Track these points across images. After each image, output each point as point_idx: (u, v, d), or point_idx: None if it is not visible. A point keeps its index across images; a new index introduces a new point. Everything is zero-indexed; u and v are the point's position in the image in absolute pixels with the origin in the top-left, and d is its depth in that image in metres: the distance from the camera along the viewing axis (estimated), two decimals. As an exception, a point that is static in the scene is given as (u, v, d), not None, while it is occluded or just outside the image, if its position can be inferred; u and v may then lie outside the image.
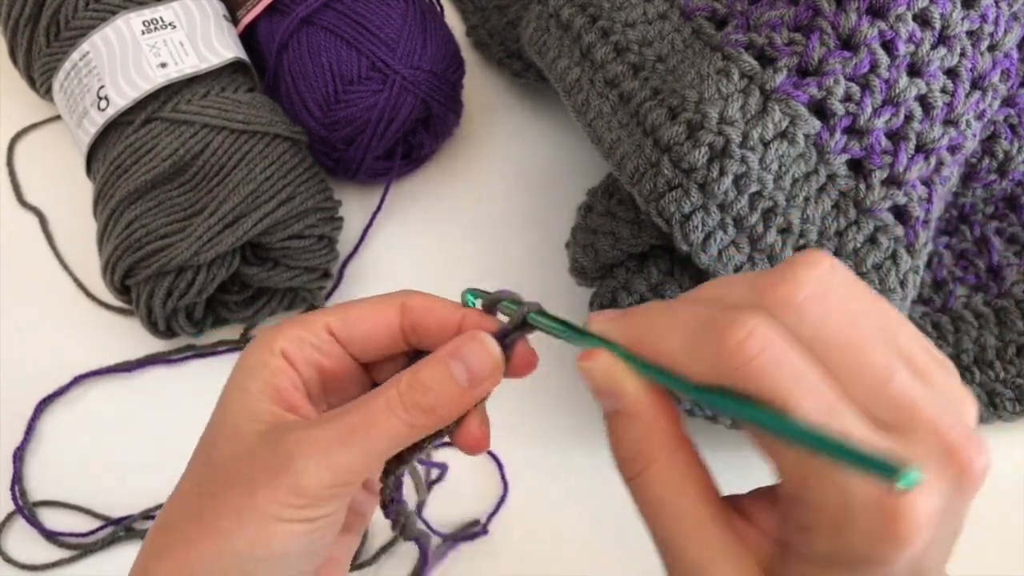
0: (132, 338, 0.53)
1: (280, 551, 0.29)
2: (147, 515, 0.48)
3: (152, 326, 0.51)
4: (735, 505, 0.28)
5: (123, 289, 0.50)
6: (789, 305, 0.25)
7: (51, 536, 0.47)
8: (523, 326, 0.31)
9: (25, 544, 0.48)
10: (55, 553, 0.47)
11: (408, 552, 0.48)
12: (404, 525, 0.35)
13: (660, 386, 0.27)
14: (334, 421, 0.30)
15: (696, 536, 0.26)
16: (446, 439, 0.32)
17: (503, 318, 0.32)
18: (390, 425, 0.30)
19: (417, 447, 0.32)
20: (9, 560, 0.47)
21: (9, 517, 0.48)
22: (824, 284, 0.25)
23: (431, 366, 0.30)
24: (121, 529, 0.47)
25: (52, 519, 0.48)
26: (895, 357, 0.25)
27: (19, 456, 0.49)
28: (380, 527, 0.48)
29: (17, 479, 0.49)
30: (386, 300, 0.33)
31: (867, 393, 0.24)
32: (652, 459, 0.27)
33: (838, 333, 0.24)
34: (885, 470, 0.21)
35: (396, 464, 0.33)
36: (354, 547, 0.37)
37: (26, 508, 0.48)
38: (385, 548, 0.48)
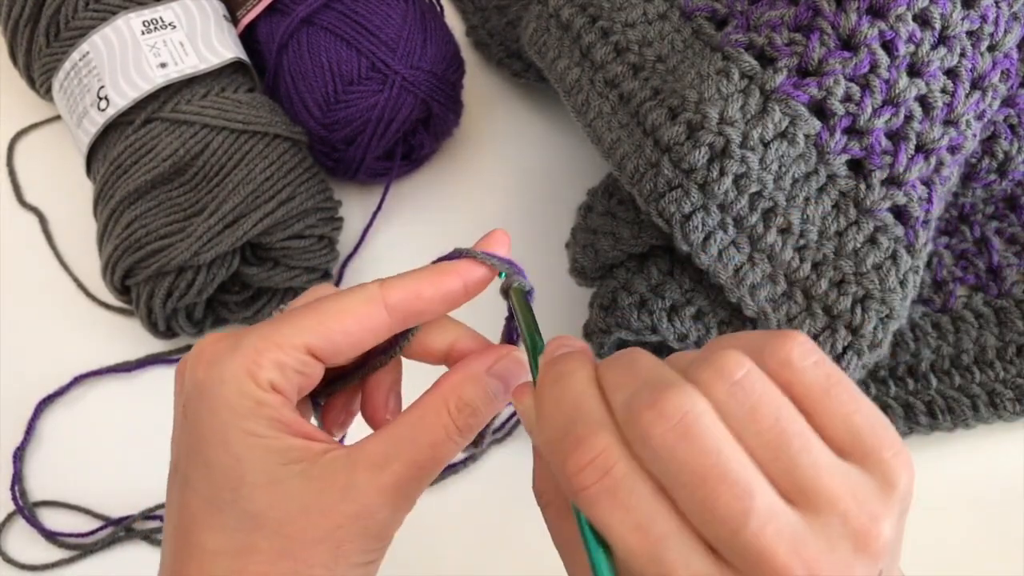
0: (132, 338, 0.53)
1: None
2: (147, 515, 0.48)
3: (152, 326, 0.51)
4: None
5: (123, 289, 0.50)
6: (645, 438, 0.23)
7: (51, 536, 0.47)
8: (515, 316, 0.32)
9: (25, 544, 0.48)
10: (55, 553, 0.47)
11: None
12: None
13: None
14: (400, 460, 0.29)
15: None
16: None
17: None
18: (451, 453, 0.30)
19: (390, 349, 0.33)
20: (9, 560, 0.47)
21: (9, 517, 0.48)
22: (701, 413, 0.23)
23: (472, 386, 0.31)
24: (121, 529, 0.47)
25: (52, 519, 0.48)
26: (762, 493, 0.23)
27: (19, 456, 0.49)
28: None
29: (17, 479, 0.49)
30: (366, 304, 0.30)
31: (715, 535, 0.23)
32: (552, 500, 0.28)
33: (693, 472, 0.23)
34: None
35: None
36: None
37: (26, 508, 0.48)
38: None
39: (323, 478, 0.28)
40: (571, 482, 0.24)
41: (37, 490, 0.49)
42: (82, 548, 0.47)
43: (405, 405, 0.32)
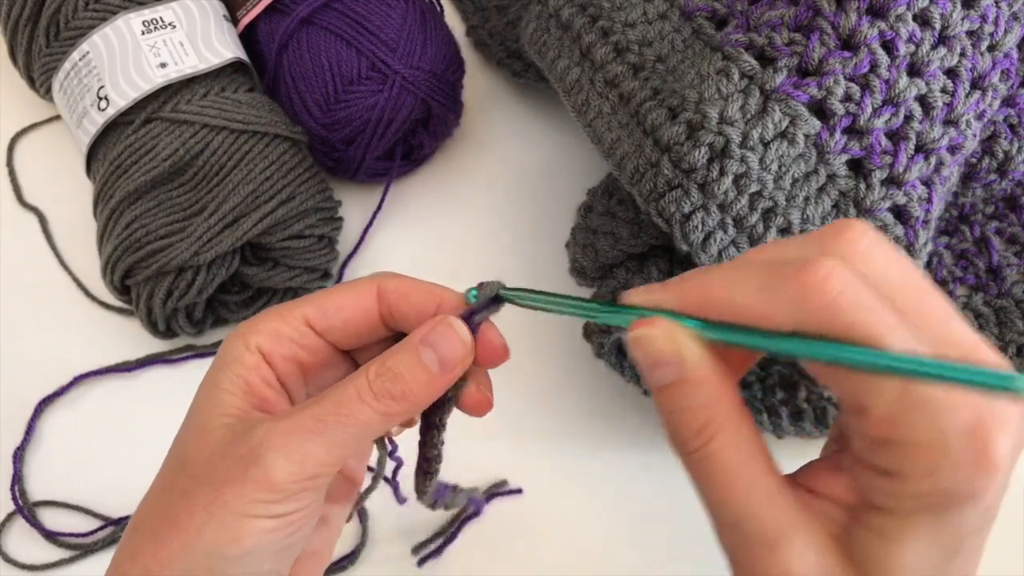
0: (132, 338, 0.53)
1: (251, 548, 0.28)
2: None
3: (152, 326, 0.51)
4: (793, 480, 0.27)
5: (123, 289, 0.51)
6: (855, 251, 0.25)
7: (51, 536, 0.47)
8: (493, 303, 0.31)
9: (25, 544, 0.48)
10: (55, 553, 0.47)
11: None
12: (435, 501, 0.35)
13: (719, 352, 0.26)
14: (302, 412, 0.29)
15: (769, 507, 0.25)
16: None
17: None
18: (361, 413, 0.29)
19: (440, 410, 0.32)
20: (9, 560, 0.47)
21: (9, 517, 0.48)
22: (874, 238, 0.26)
23: (400, 353, 0.30)
24: (120, 529, 0.47)
25: (52, 519, 0.48)
26: (947, 302, 0.25)
27: (19, 456, 0.49)
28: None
29: (17, 479, 0.49)
30: (363, 286, 0.32)
31: (933, 334, 0.24)
32: (720, 427, 0.26)
33: (901, 276, 0.25)
34: (1001, 382, 0.21)
35: (427, 433, 0.33)
36: (334, 539, 0.36)
37: (26, 508, 0.48)
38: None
39: (237, 437, 0.29)
40: (816, 297, 0.24)
41: (37, 490, 0.49)
42: (82, 548, 0.47)
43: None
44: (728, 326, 0.26)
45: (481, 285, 0.32)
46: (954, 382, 0.22)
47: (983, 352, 0.25)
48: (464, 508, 0.47)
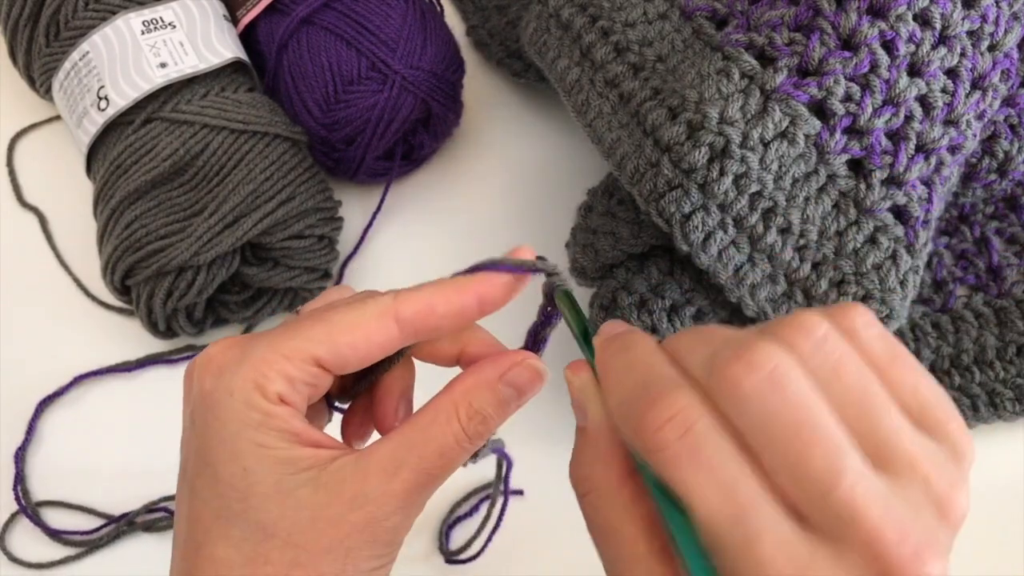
0: (132, 338, 0.53)
1: None
2: (150, 508, 0.48)
3: (152, 326, 0.51)
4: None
5: (123, 289, 0.50)
6: (736, 389, 0.23)
7: (55, 535, 0.47)
8: (550, 317, 0.32)
9: (28, 543, 0.48)
10: (59, 552, 0.47)
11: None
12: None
13: None
14: (408, 468, 0.29)
15: (634, 567, 0.25)
16: None
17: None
18: (460, 459, 0.30)
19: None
20: (14, 559, 0.47)
21: (13, 517, 0.48)
22: (791, 367, 0.23)
23: (483, 393, 0.30)
24: (124, 524, 0.47)
25: (54, 519, 0.48)
26: (852, 455, 0.22)
27: (20, 456, 0.49)
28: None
29: (20, 479, 0.49)
30: (377, 318, 0.30)
31: (804, 495, 0.22)
32: (598, 485, 0.26)
33: (785, 427, 0.22)
34: None
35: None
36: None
37: (29, 508, 0.48)
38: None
39: (331, 486, 0.28)
40: (648, 442, 0.23)
41: (38, 490, 0.49)
42: (87, 544, 0.47)
43: (416, 407, 0.32)
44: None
45: (551, 278, 0.31)
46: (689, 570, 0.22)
47: (854, 525, 0.22)
48: (499, 467, 0.46)
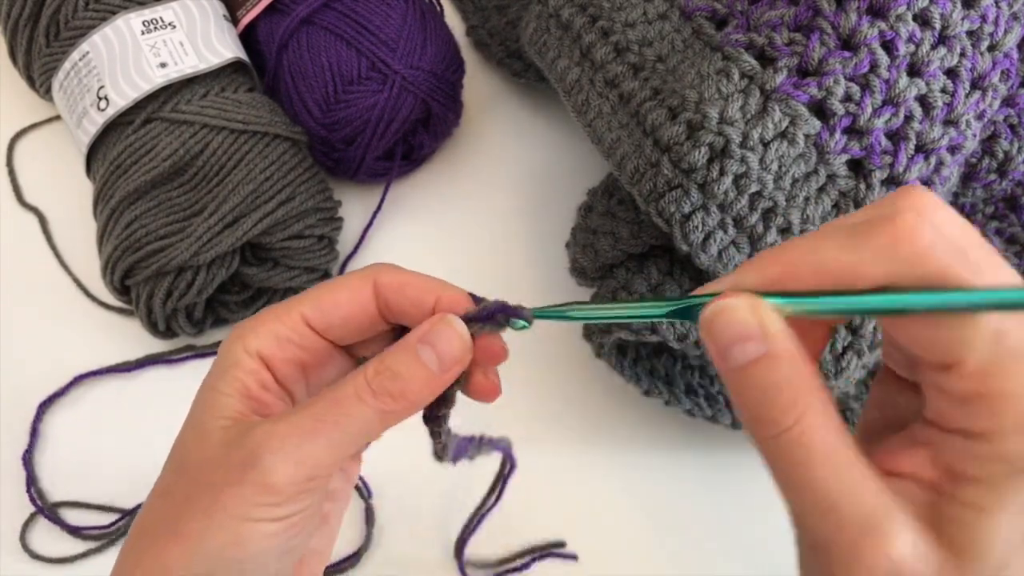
0: (132, 338, 0.53)
1: (253, 552, 0.28)
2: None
3: (152, 326, 0.51)
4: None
5: (123, 289, 0.50)
6: (931, 207, 0.24)
7: (75, 531, 0.48)
8: (493, 316, 0.31)
9: (48, 542, 0.48)
10: (77, 547, 0.48)
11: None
12: (470, 449, 0.35)
13: (797, 330, 0.25)
14: (301, 413, 0.29)
15: (866, 489, 0.24)
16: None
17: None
18: (360, 413, 0.29)
19: (445, 399, 0.32)
20: (37, 556, 0.47)
21: (31, 518, 0.48)
22: (938, 200, 0.25)
23: (399, 351, 0.30)
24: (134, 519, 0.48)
25: (67, 517, 0.48)
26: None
27: (28, 459, 0.49)
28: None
29: (32, 481, 0.49)
30: (358, 280, 0.32)
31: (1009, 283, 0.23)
32: (810, 406, 0.24)
33: (970, 234, 0.24)
34: None
35: (433, 423, 0.33)
36: (334, 536, 0.36)
37: (46, 508, 0.48)
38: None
39: (233, 440, 0.29)
40: (908, 244, 0.23)
41: (46, 490, 0.49)
42: (106, 537, 0.48)
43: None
44: (815, 294, 0.25)
45: (501, 307, 0.31)
46: None
47: None
48: (502, 467, 0.46)
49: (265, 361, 0.31)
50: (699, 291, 0.27)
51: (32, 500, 0.48)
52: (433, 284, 0.32)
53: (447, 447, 0.34)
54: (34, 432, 0.50)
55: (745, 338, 0.25)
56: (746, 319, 0.25)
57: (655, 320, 0.28)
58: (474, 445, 0.36)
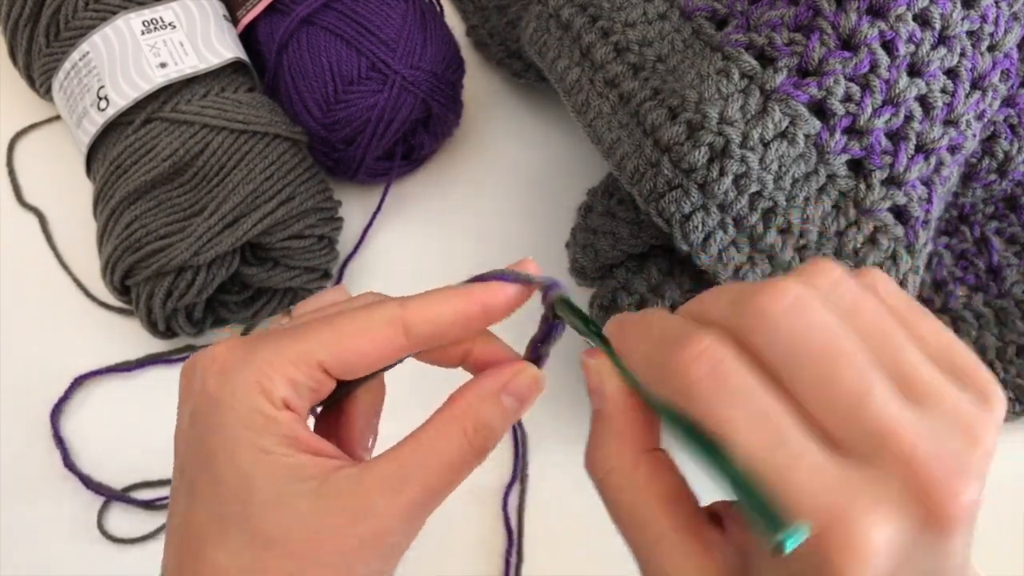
0: (132, 338, 0.53)
1: None
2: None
3: (152, 326, 0.51)
4: (713, 512, 0.27)
5: (123, 289, 0.50)
6: (763, 317, 0.23)
7: (148, 505, 0.48)
8: (552, 329, 0.31)
9: (121, 524, 0.49)
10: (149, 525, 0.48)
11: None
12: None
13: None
14: (412, 483, 0.28)
15: (658, 546, 0.25)
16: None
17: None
18: (465, 474, 0.30)
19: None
20: (113, 539, 0.48)
21: (106, 503, 0.49)
22: (812, 297, 0.23)
23: (488, 406, 0.30)
24: None
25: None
26: (879, 376, 0.22)
27: (71, 464, 0.49)
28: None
29: (88, 480, 0.49)
30: (384, 327, 0.29)
31: (835, 417, 0.22)
32: (615, 464, 0.27)
33: (812, 349, 0.23)
34: (772, 522, 0.21)
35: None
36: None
37: (115, 493, 0.48)
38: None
39: (334, 497, 0.28)
40: (678, 381, 0.23)
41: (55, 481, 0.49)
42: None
43: (420, 411, 0.31)
44: (633, 378, 0.27)
45: (548, 290, 0.31)
46: (744, 505, 0.22)
47: (887, 442, 0.22)
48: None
49: (291, 409, 0.29)
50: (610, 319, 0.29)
51: (100, 491, 0.49)
52: (467, 299, 0.31)
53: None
54: (59, 439, 0.50)
55: (592, 391, 0.28)
56: (592, 378, 0.28)
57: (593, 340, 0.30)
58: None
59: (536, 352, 0.32)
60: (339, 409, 0.33)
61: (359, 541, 0.28)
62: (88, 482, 0.49)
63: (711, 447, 0.23)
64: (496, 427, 0.30)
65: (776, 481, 0.22)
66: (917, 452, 0.22)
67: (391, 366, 0.32)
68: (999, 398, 0.24)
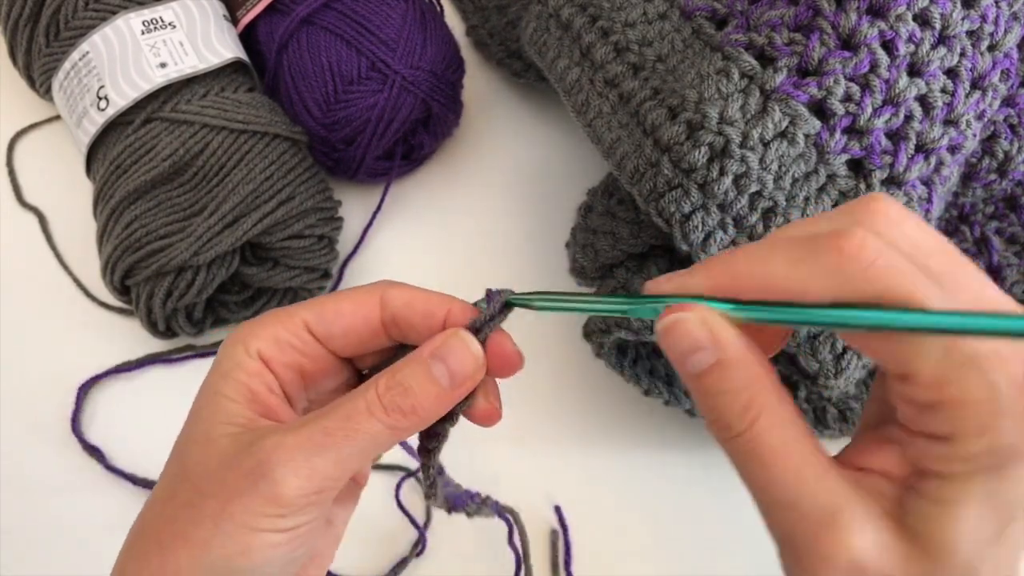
0: (132, 338, 0.53)
1: (260, 561, 0.28)
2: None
3: (152, 326, 0.51)
4: (839, 460, 0.27)
5: (123, 289, 0.50)
6: (887, 218, 0.25)
7: None
8: (501, 312, 0.31)
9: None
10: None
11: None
12: (447, 501, 0.35)
13: (751, 334, 0.26)
14: (311, 425, 0.29)
15: (822, 484, 0.25)
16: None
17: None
18: (370, 428, 0.29)
19: (447, 418, 0.31)
20: None
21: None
22: (902, 208, 0.25)
23: (411, 366, 0.30)
24: None
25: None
26: (977, 269, 0.25)
27: (111, 467, 0.49)
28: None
29: (135, 478, 0.49)
30: (365, 293, 0.31)
31: (969, 295, 0.24)
32: (763, 407, 0.25)
33: (932, 243, 0.25)
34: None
35: (430, 440, 0.32)
36: (339, 538, 0.36)
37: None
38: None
39: (244, 440, 0.29)
40: (853, 264, 0.24)
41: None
42: None
43: None
44: (763, 304, 0.25)
45: (489, 293, 0.31)
46: (1000, 334, 0.22)
47: (1020, 309, 0.24)
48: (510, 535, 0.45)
49: (267, 363, 0.31)
50: (650, 287, 0.28)
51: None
52: (443, 300, 0.31)
53: (436, 486, 0.34)
54: (91, 448, 0.50)
55: (697, 349, 0.26)
56: (696, 331, 0.26)
57: (615, 315, 0.29)
58: (476, 502, 0.36)
59: (480, 332, 0.31)
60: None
61: (242, 474, 0.28)
62: (135, 480, 0.49)
63: (920, 314, 0.23)
64: (412, 387, 0.29)
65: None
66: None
67: (389, 361, 0.32)
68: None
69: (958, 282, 0.24)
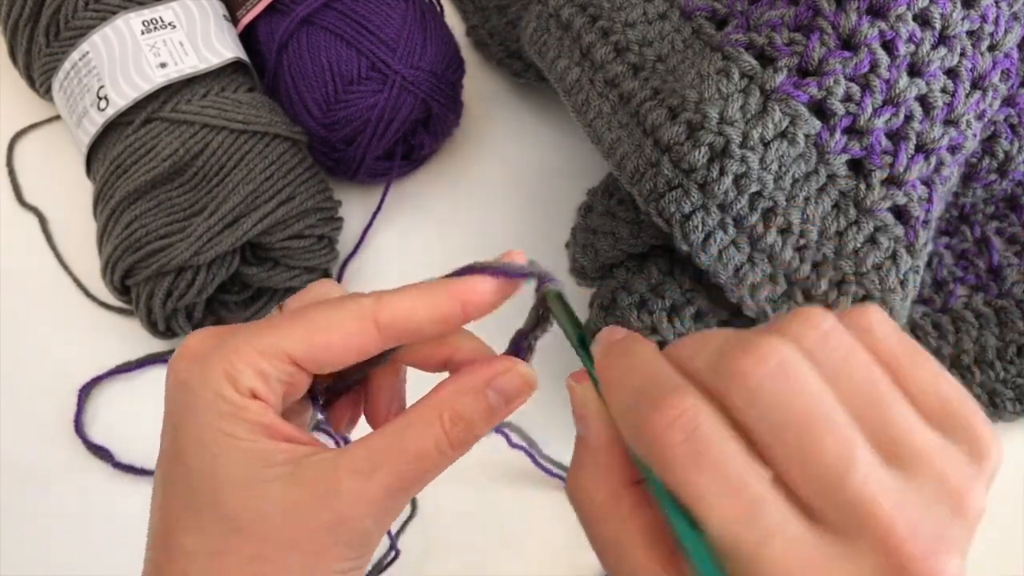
0: (132, 338, 0.53)
1: None
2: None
3: (152, 326, 0.51)
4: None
5: (123, 289, 0.50)
6: (744, 381, 0.22)
7: None
8: (540, 321, 0.31)
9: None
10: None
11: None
12: None
13: None
14: (384, 470, 0.28)
15: (631, 545, 0.25)
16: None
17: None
18: (442, 466, 0.29)
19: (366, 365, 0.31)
20: None
21: None
22: (798, 360, 0.23)
23: (469, 398, 0.29)
24: None
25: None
26: (862, 445, 0.22)
27: (117, 464, 0.50)
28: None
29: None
30: (354, 320, 0.29)
31: (814, 489, 0.22)
32: (596, 496, 0.26)
33: (793, 417, 0.22)
34: None
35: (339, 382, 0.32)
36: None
37: None
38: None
39: (305, 482, 0.28)
40: (653, 446, 0.23)
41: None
42: None
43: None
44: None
45: (541, 282, 0.30)
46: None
47: (866, 517, 0.21)
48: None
49: (259, 398, 0.29)
50: (599, 335, 0.29)
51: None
52: (446, 295, 0.30)
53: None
54: (98, 449, 0.50)
55: (576, 416, 0.28)
56: (577, 403, 0.28)
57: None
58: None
59: (520, 344, 0.31)
60: (357, 390, 0.33)
61: (327, 525, 0.28)
62: (146, 472, 0.49)
63: (682, 514, 0.22)
64: (475, 421, 0.29)
65: (750, 555, 0.21)
66: (896, 528, 0.21)
67: (376, 362, 0.32)
68: (993, 450, 0.23)
69: (801, 468, 0.22)
